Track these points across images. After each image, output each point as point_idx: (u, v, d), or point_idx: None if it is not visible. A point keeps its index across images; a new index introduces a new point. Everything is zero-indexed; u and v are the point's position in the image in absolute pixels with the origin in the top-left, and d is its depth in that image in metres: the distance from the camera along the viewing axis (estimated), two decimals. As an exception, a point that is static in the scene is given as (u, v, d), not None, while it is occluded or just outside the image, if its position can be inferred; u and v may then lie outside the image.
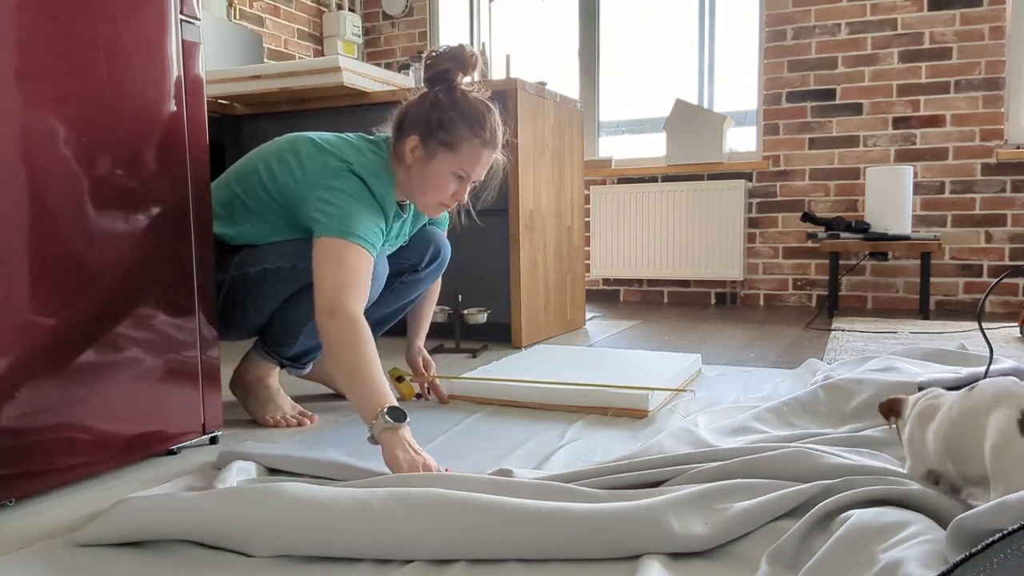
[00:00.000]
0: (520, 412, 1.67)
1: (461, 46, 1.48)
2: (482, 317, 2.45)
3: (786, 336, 2.79)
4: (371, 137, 1.57)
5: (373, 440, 1.22)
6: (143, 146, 1.26)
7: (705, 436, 1.33)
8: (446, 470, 1.20)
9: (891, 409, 1.10)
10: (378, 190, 1.46)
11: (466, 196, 1.54)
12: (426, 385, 1.81)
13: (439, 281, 1.89)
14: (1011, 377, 0.93)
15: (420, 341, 1.86)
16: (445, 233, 1.85)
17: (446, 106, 1.46)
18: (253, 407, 1.62)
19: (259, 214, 1.54)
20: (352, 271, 1.37)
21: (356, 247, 1.39)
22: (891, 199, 3.24)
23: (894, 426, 1.11)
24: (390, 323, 1.83)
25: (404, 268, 1.74)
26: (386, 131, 1.58)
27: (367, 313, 1.76)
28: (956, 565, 0.65)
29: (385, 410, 1.21)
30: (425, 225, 1.77)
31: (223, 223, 1.55)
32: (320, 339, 1.37)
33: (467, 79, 1.51)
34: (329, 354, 1.32)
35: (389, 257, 1.69)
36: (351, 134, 1.57)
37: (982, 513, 0.74)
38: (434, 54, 1.48)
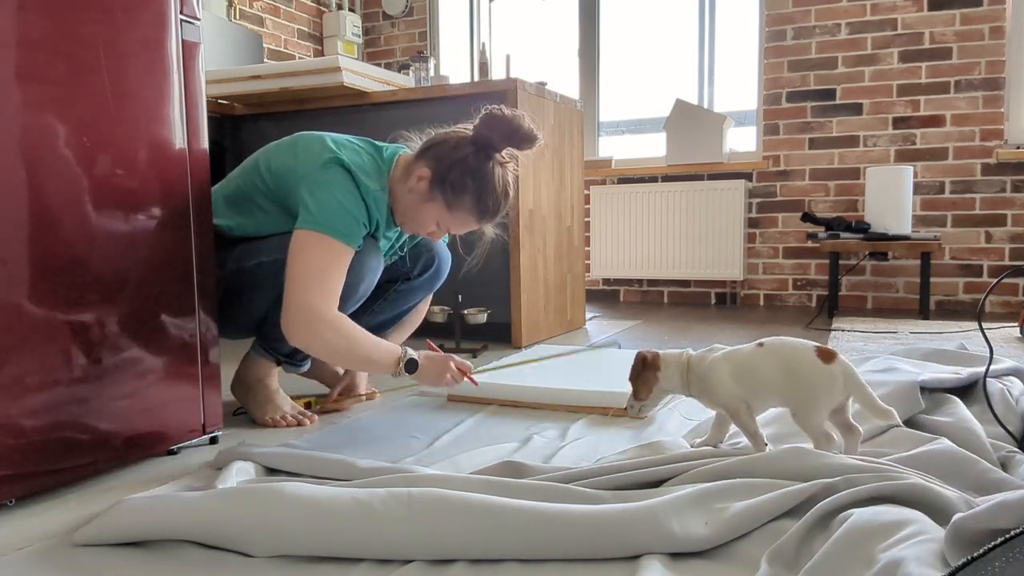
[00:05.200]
0: (521, 412, 1.66)
1: (529, 129, 1.43)
2: (482, 317, 2.45)
3: (786, 336, 2.79)
4: (379, 144, 1.57)
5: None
6: (143, 146, 1.26)
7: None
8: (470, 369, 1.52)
9: (652, 363, 1.28)
10: (366, 187, 1.46)
11: (440, 239, 1.61)
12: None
13: (421, 311, 1.86)
14: (785, 337, 1.23)
15: (365, 375, 1.81)
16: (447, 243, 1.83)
17: (468, 171, 1.44)
18: (253, 408, 1.62)
19: (258, 205, 1.55)
20: (321, 262, 1.39)
21: (329, 239, 1.39)
22: (891, 199, 3.24)
23: (633, 373, 1.30)
24: (383, 332, 1.80)
25: (397, 276, 1.74)
26: (407, 138, 1.58)
27: (358, 322, 1.76)
28: (958, 569, 0.65)
29: (403, 368, 1.44)
30: None
31: (223, 216, 1.56)
32: (298, 346, 1.39)
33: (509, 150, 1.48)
34: (329, 361, 1.42)
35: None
36: (360, 138, 1.57)
37: (981, 513, 0.74)
38: (497, 114, 1.43)
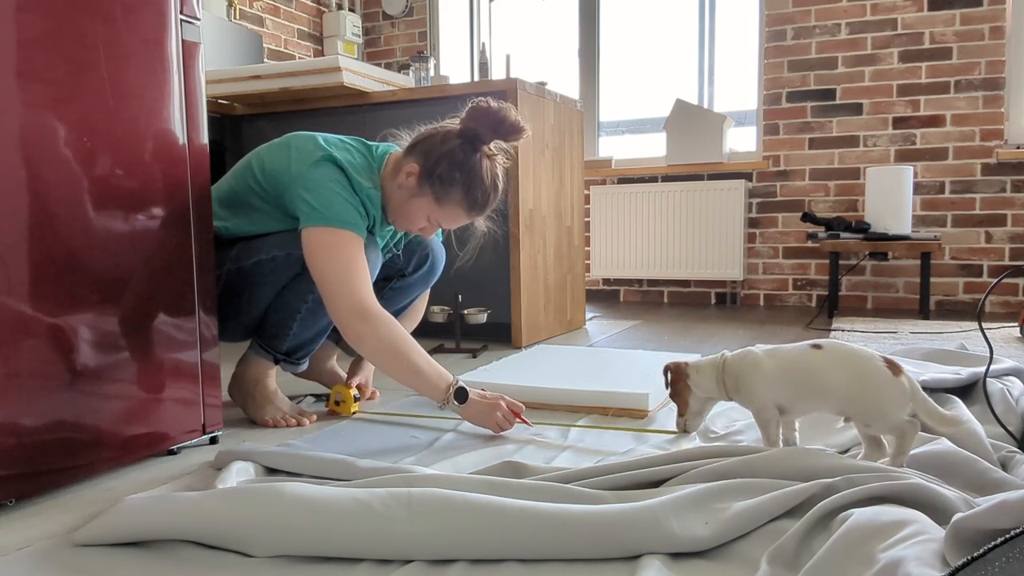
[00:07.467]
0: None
1: (515, 121, 1.43)
2: (482, 317, 2.45)
3: (786, 336, 2.79)
4: (370, 143, 1.58)
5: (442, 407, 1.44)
6: (143, 146, 1.26)
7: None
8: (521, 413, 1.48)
9: (679, 372, 1.27)
10: (359, 184, 1.47)
11: (432, 235, 1.59)
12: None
13: (420, 308, 1.86)
14: (846, 343, 1.16)
15: (370, 370, 1.79)
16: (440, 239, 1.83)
17: (455, 163, 1.44)
18: (252, 409, 1.61)
19: (253, 205, 1.56)
20: (346, 257, 1.39)
21: (342, 232, 1.40)
22: (891, 199, 3.24)
23: (668, 388, 1.30)
24: None
25: (392, 273, 1.74)
26: (397, 136, 1.59)
27: None
28: (958, 569, 0.65)
29: (452, 395, 1.41)
30: None
31: (218, 217, 1.57)
32: (352, 343, 1.41)
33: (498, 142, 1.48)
34: (377, 364, 1.41)
35: None
36: (351, 138, 1.58)
37: (981, 514, 0.74)
38: (483, 105, 1.44)
